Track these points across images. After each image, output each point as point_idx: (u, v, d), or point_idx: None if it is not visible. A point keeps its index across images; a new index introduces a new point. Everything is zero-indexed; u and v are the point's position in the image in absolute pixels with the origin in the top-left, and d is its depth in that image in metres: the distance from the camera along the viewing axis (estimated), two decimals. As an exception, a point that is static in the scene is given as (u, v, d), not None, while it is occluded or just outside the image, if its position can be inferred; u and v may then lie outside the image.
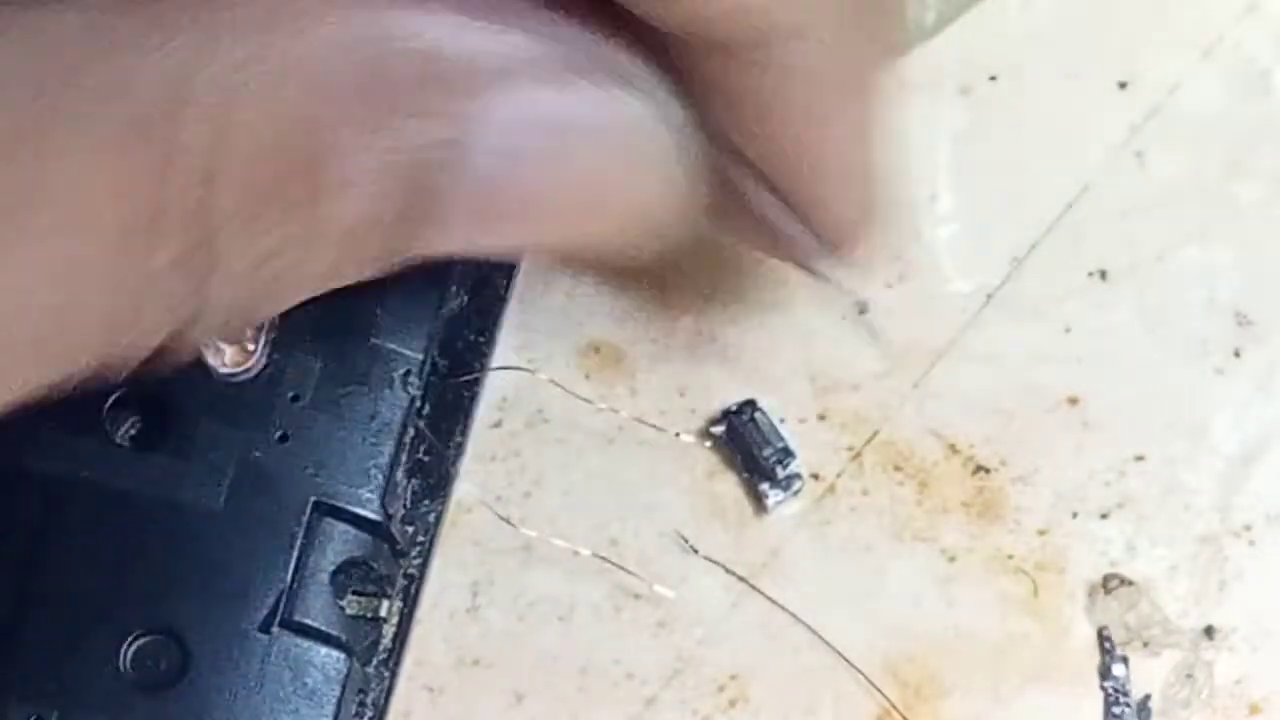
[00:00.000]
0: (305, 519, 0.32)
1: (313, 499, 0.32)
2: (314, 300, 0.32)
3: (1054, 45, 0.39)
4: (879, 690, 0.34)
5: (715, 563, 0.35)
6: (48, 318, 0.19)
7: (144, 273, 0.20)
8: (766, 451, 0.35)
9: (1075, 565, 0.35)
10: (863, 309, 0.37)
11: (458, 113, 0.21)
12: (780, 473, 0.35)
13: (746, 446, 0.35)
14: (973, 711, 0.34)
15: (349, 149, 0.20)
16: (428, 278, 0.34)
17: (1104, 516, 0.36)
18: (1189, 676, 0.34)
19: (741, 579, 0.35)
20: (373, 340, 0.33)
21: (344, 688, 0.32)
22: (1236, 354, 0.37)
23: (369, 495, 0.32)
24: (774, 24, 0.23)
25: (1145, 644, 0.35)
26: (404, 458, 0.33)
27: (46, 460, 0.31)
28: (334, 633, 0.32)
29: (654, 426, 0.36)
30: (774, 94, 0.25)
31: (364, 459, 0.32)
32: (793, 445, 0.36)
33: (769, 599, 0.35)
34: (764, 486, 0.35)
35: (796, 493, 0.36)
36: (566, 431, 0.36)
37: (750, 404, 0.36)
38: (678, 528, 0.36)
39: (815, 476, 0.36)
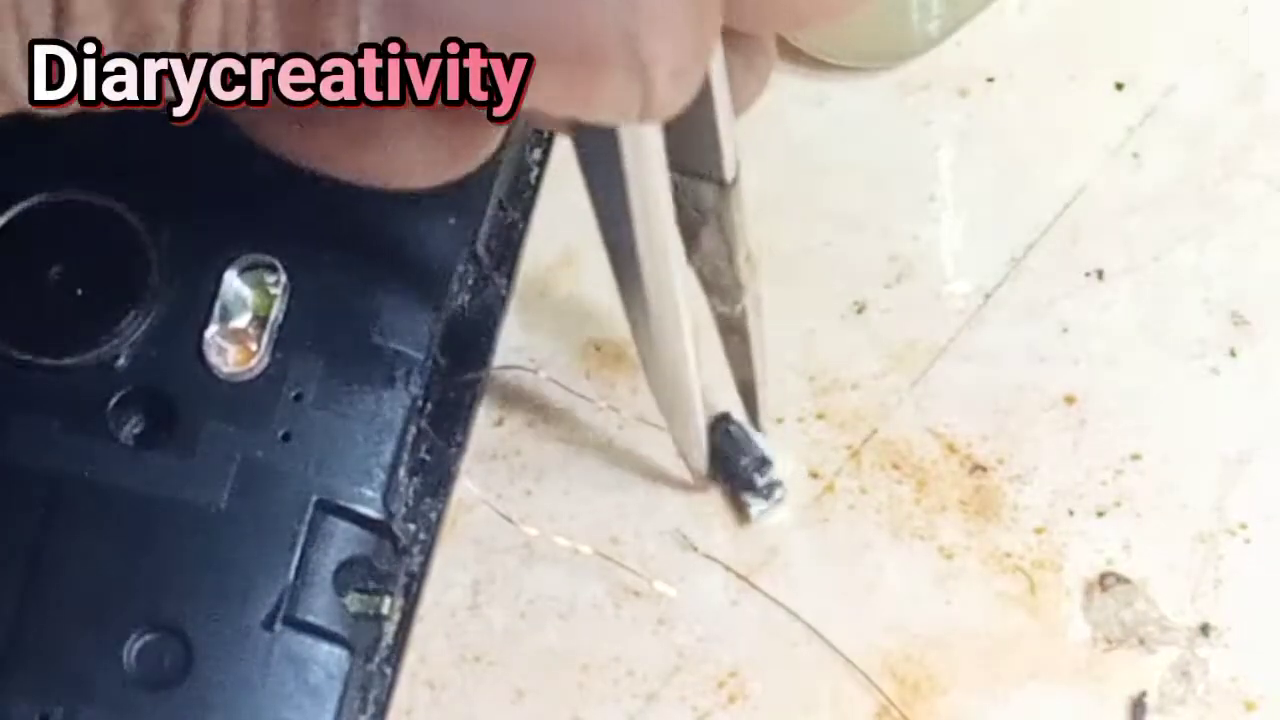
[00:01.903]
0: (308, 517, 0.32)
1: (315, 497, 0.32)
2: (316, 300, 0.33)
3: (1051, 47, 0.39)
4: (877, 687, 0.35)
5: (715, 560, 0.35)
6: None
7: None
8: (744, 462, 0.35)
9: (1072, 563, 0.35)
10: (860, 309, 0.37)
11: None
12: (760, 481, 0.35)
13: (724, 459, 0.35)
14: (970, 708, 0.35)
15: None
16: (429, 277, 0.34)
17: (1101, 515, 0.36)
18: (1185, 674, 0.35)
19: (741, 577, 0.35)
20: (375, 340, 0.33)
21: (346, 685, 0.32)
22: (1232, 353, 0.37)
23: (371, 494, 0.32)
24: None
25: (1141, 641, 0.35)
26: (406, 456, 0.33)
27: (50, 459, 0.31)
28: (336, 630, 0.32)
29: (654, 425, 0.36)
30: None
31: (366, 458, 0.33)
32: (769, 452, 0.36)
33: (768, 596, 0.35)
34: (745, 496, 0.35)
35: (779, 500, 0.36)
36: (567, 430, 0.36)
37: (724, 417, 0.36)
38: (678, 526, 0.36)
39: (814, 475, 0.36)
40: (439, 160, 0.28)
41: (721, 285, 0.31)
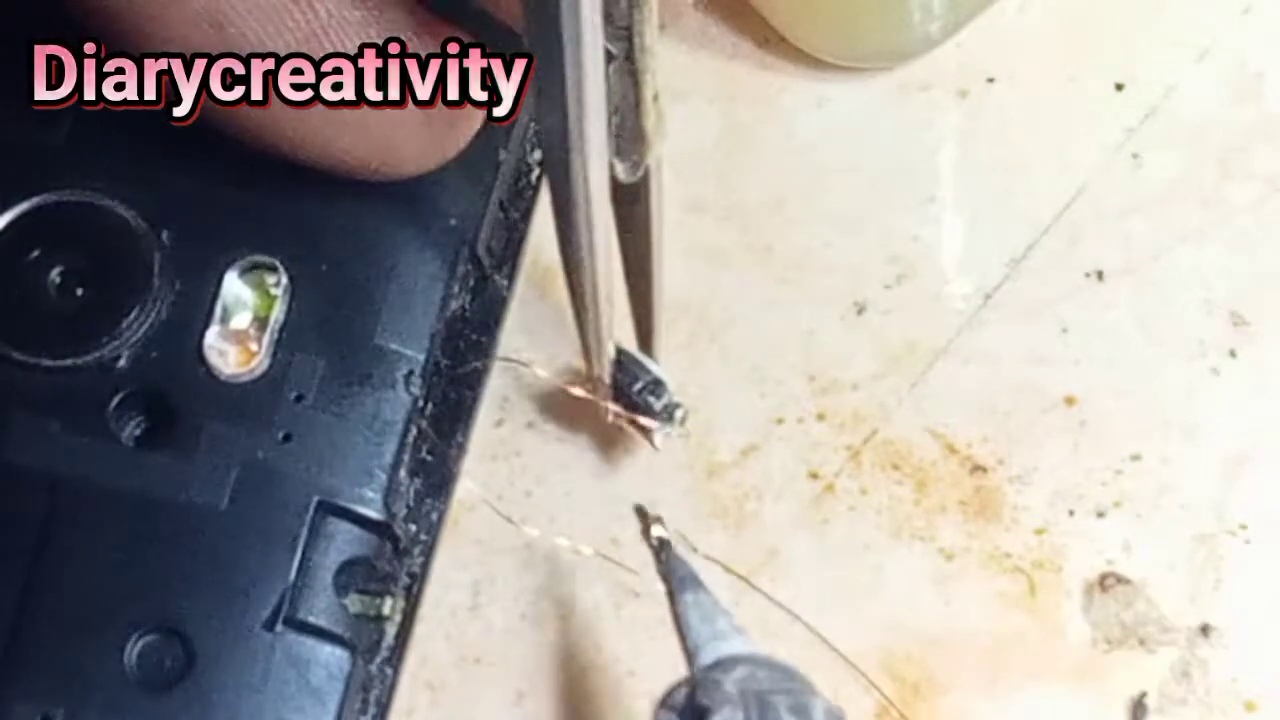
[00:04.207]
0: (309, 518, 0.32)
1: (316, 498, 0.32)
2: (317, 301, 0.33)
3: (1051, 48, 0.39)
4: (877, 687, 0.35)
5: (715, 561, 0.36)
6: None
7: None
8: (638, 387, 0.34)
9: (1072, 564, 0.35)
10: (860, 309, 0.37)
11: None
12: (657, 404, 0.34)
13: (618, 388, 0.34)
14: (969, 708, 0.35)
15: None
16: (430, 278, 0.34)
17: (1101, 515, 0.36)
18: (1185, 674, 0.35)
19: (741, 577, 0.35)
20: (375, 341, 0.33)
21: (347, 685, 0.32)
22: (1232, 354, 0.37)
23: (372, 494, 0.32)
24: None
25: (1141, 642, 0.35)
26: (406, 457, 0.33)
27: (51, 460, 0.31)
28: (337, 631, 0.32)
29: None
30: None
31: (367, 459, 0.33)
32: (662, 374, 0.35)
33: (768, 597, 0.35)
34: (647, 423, 0.34)
35: (683, 422, 0.35)
36: (567, 431, 0.36)
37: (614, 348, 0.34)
38: (678, 527, 0.36)
39: (814, 475, 0.36)
40: (428, 146, 0.28)
41: (627, 137, 0.27)
